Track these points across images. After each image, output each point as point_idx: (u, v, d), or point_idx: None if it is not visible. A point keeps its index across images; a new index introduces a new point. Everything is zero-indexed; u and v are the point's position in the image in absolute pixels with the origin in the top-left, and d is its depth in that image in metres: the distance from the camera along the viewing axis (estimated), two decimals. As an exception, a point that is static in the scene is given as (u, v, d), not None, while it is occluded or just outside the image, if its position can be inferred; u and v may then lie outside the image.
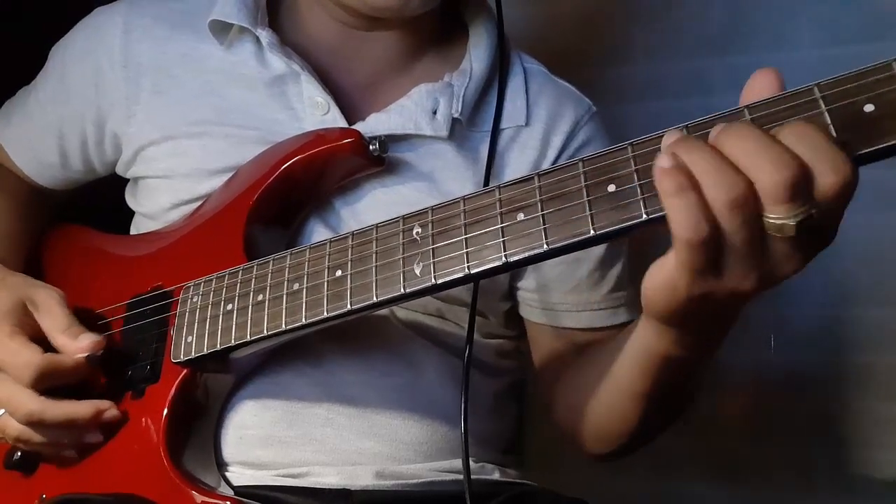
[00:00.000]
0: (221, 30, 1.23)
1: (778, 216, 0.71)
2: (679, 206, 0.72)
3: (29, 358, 1.08)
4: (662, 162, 0.73)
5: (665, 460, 1.79)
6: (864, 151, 0.70)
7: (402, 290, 0.92)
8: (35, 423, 1.09)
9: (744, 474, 1.89)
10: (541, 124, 1.27)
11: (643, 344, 0.93)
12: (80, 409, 1.10)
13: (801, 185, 0.70)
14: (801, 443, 1.84)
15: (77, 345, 1.11)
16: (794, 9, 1.87)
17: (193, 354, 1.08)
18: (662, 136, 0.77)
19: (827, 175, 0.70)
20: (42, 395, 1.09)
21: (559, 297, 1.26)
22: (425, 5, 1.17)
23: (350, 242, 0.98)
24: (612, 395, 1.08)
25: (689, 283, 0.76)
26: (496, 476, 1.24)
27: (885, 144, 0.69)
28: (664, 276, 0.77)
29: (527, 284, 1.27)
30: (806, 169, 0.70)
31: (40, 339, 1.11)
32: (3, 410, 1.11)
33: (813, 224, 0.71)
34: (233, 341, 1.05)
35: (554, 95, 1.31)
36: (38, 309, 1.14)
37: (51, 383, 1.09)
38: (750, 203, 0.71)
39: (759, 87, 0.77)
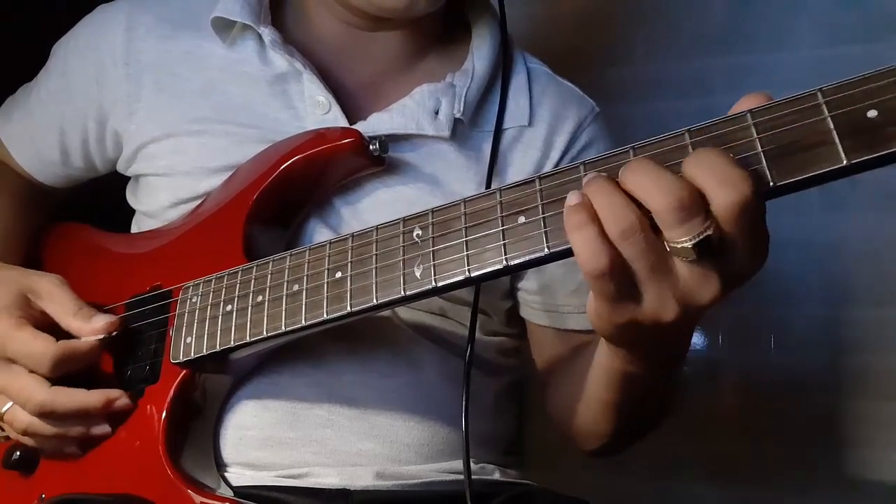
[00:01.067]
0: (224, 27, 1.23)
1: (675, 240, 0.74)
2: (579, 240, 0.77)
3: (44, 347, 1.07)
4: (570, 200, 0.78)
5: (665, 460, 1.80)
6: (866, 158, 0.70)
7: (403, 292, 0.92)
8: (47, 414, 1.08)
9: (743, 474, 1.89)
10: (544, 125, 1.27)
11: (601, 362, 0.98)
12: (91, 398, 1.09)
13: (690, 207, 0.72)
14: (801, 443, 1.85)
15: (91, 326, 1.11)
16: (794, 9, 1.87)
17: (192, 355, 1.08)
18: (667, 139, 0.79)
19: (721, 193, 0.72)
20: (53, 386, 1.08)
21: (562, 300, 1.27)
22: (431, 6, 1.17)
23: (350, 244, 0.98)
24: (587, 402, 1.11)
25: (609, 312, 0.80)
26: (496, 476, 1.24)
27: (888, 151, 0.69)
28: (590, 305, 0.81)
29: (528, 286, 1.27)
30: (697, 192, 0.73)
31: (46, 328, 1.11)
32: (10, 403, 1.10)
33: (714, 245, 0.73)
34: (232, 342, 1.05)
35: (557, 96, 1.31)
36: (40, 297, 1.13)
37: (67, 370, 1.09)
38: (640, 232, 0.75)
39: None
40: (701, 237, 0.72)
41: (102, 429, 1.12)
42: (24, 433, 1.12)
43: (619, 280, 0.77)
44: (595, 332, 1.23)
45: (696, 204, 0.72)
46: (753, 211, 0.73)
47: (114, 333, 1.12)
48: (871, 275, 1.80)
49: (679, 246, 0.73)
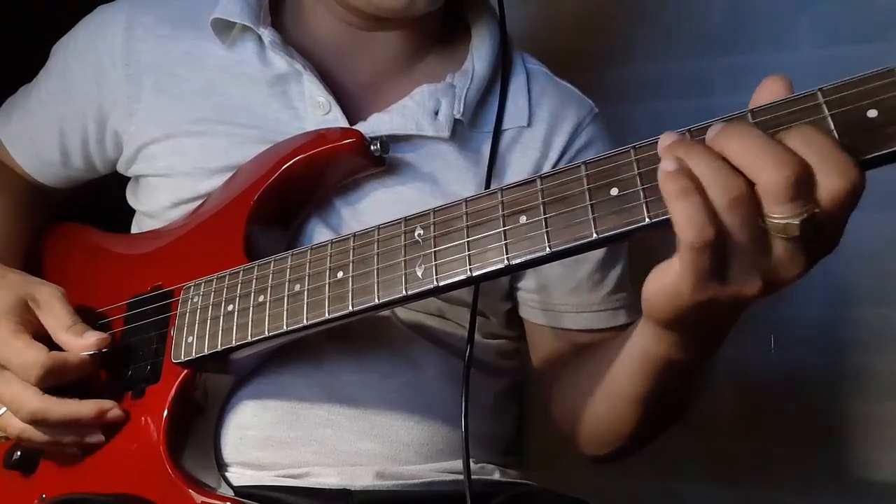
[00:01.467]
0: (223, 28, 1.23)
1: (781, 216, 0.71)
2: (684, 209, 0.73)
3: (35, 357, 1.07)
4: (667, 165, 0.74)
5: (665, 460, 1.79)
6: (866, 157, 0.70)
7: (404, 291, 0.92)
8: (38, 422, 1.09)
9: (743, 474, 1.89)
10: (543, 125, 1.27)
11: (643, 348, 0.94)
12: (84, 408, 1.10)
13: (803, 184, 0.70)
14: (801, 443, 1.84)
15: (82, 342, 1.11)
16: (794, 9, 1.86)
17: (194, 355, 1.08)
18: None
19: (834, 178, 0.70)
20: (45, 394, 1.08)
21: (559, 298, 1.26)
22: (430, 5, 1.17)
23: (352, 244, 0.99)
24: (609, 399, 1.08)
25: (693, 289, 0.76)
26: (496, 476, 1.24)
27: (887, 150, 0.69)
28: (667, 282, 0.77)
29: (527, 285, 1.27)
30: (809, 170, 0.70)
31: (42, 337, 1.11)
32: (3, 409, 1.10)
33: (816, 225, 0.71)
34: (233, 342, 1.05)
35: (556, 96, 1.31)
36: (39, 307, 1.13)
37: (56, 381, 1.09)
38: (750, 202, 0.72)
39: (769, 92, 0.77)
40: (809, 215, 0.71)
41: (96, 437, 1.12)
42: (18, 439, 1.12)
43: (719, 253, 0.74)
44: (594, 332, 1.25)
45: (808, 180, 0.71)
46: (856, 199, 0.72)
47: (104, 350, 1.12)
48: (871, 275, 1.80)
49: (783, 222, 0.71)
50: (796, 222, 0.71)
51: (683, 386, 1.01)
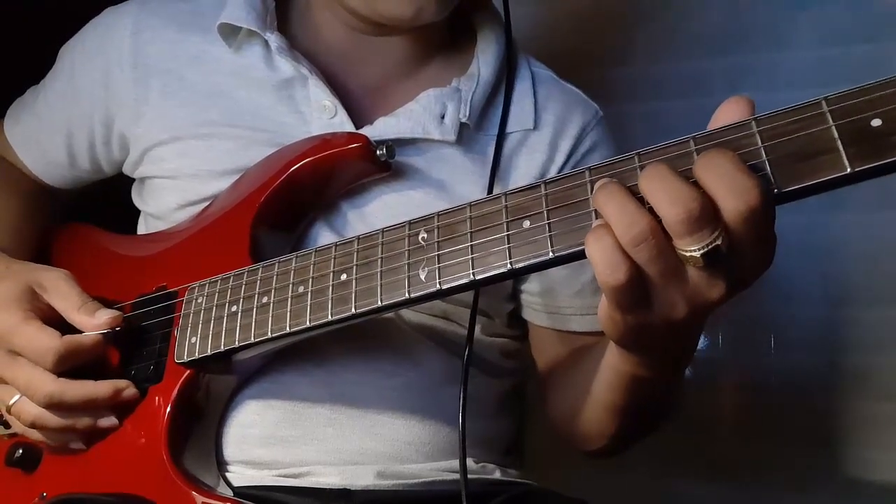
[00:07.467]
0: (230, 33, 1.24)
1: (684, 248, 0.74)
2: (596, 252, 0.77)
3: (49, 342, 1.07)
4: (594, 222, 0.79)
5: (665, 460, 1.80)
6: (870, 166, 0.70)
7: (407, 294, 0.92)
8: (55, 405, 1.08)
9: (743, 474, 1.89)
10: (549, 128, 1.28)
11: (611, 363, 0.98)
12: (100, 388, 1.09)
13: (699, 217, 0.73)
14: (800, 443, 1.85)
15: (95, 321, 1.11)
16: (794, 9, 1.87)
17: (197, 355, 1.08)
18: (671, 146, 0.79)
19: (731, 201, 0.73)
20: (60, 377, 1.08)
21: (565, 301, 1.27)
22: (437, 15, 1.17)
23: (356, 246, 0.99)
24: (591, 404, 1.11)
25: (622, 318, 0.81)
26: (497, 475, 1.24)
27: (891, 159, 0.70)
28: (603, 308, 0.82)
29: (531, 288, 1.28)
30: (706, 200, 0.73)
31: (54, 322, 1.11)
32: (18, 396, 1.10)
33: (723, 254, 0.74)
34: (236, 343, 1.05)
35: (562, 100, 1.31)
36: (46, 291, 1.13)
37: (70, 365, 1.09)
38: (651, 238, 0.75)
39: (729, 114, 0.79)
40: (709, 247, 0.73)
41: (109, 420, 1.12)
42: (32, 425, 1.12)
43: (636, 290, 0.78)
44: (599, 334, 1.25)
45: (706, 214, 0.73)
46: (762, 219, 0.74)
47: (118, 328, 1.12)
48: (871, 275, 1.80)
49: (688, 254, 0.74)
50: (698, 254, 0.74)
51: (652, 399, 1.04)
